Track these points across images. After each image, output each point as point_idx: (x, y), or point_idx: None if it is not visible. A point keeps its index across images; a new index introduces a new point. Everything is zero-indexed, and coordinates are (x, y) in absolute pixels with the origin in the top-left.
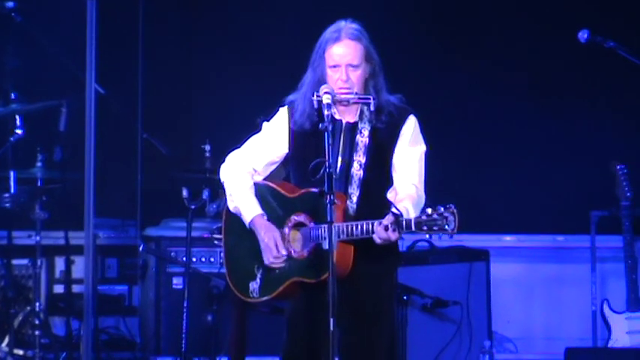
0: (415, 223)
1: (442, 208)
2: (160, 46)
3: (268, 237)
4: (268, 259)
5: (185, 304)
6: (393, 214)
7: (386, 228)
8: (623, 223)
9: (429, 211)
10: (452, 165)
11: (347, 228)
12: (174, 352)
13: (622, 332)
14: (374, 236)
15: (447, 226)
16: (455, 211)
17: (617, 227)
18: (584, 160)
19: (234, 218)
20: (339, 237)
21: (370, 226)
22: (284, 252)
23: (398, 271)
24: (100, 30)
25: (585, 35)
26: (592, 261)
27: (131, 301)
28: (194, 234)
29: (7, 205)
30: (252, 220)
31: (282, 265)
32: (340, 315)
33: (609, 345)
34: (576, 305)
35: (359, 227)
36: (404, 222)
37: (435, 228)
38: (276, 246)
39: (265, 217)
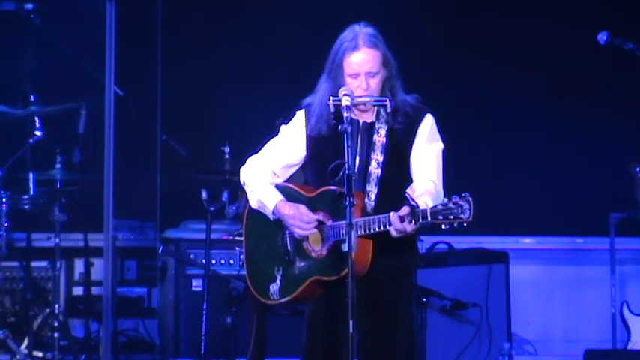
0: (431, 213)
1: (457, 197)
2: (179, 48)
3: (294, 210)
4: (300, 227)
5: (204, 306)
6: (410, 205)
7: (402, 219)
8: None
9: (445, 200)
10: (470, 167)
11: (365, 223)
12: (193, 354)
13: None
14: (390, 229)
15: (462, 215)
16: (470, 199)
17: (636, 229)
18: (603, 162)
19: (255, 221)
20: (357, 232)
21: (387, 220)
22: (314, 217)
23: (417, 273)
24: (119, 32)
25: (605, 37)
26: (611, 263)
27: (150, 303)
28: (213, 236)
29: (27, 207)
30: (275, 207)
31: (313, 231)
32: (359, 316)
33: (628, 347)
34: (595, 307)
35: (376, 221)
36: (420, 213)
37: (450, 217)
38: (303, 214)
39: (285, 201)
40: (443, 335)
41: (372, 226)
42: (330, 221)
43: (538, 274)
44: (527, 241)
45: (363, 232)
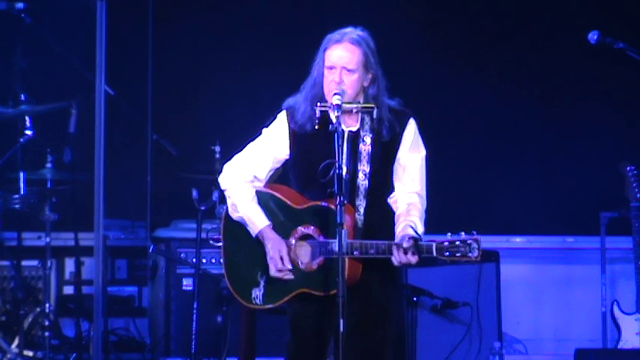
0: (437, 249)
1: (464, 234)
2: (169, 48)
3: (274, 250)
4: (273, 271)
5: (195, 306)
6: (413, 238)
7: (405, 252)
8: (633, 224)
9: (451, 237)
10: (462, 166)
11: (361, 245)
12: (183, 353)
13: (632, 333)
14: (392, 258)
15: (470, 254)
16: (478, 238)
17: (626, 228)
18: (594, 161)
19: (235, 224)
20: (352, 253)
21: (386, 247)
22: (289, 266)
23: (408, 272)
24: (109, 31)
25: (595, 36)
26: (602, 262)
27: (141, 303)
28: (204, 235)
29: (17, 206)
30: (260, 232)
31: (289, 277)
32: (347, 314)
33: (619, 346)
34: (586, 306)
35: (374, 246)
36: (424, 247)
37: (457, 254)
38: (281, 259)
39: (271, 226)
40: (433, 334)
41: (369, 250)
42: (321, 237)
43: (529, 274)
44: (518, 241)
45: (358, 253)
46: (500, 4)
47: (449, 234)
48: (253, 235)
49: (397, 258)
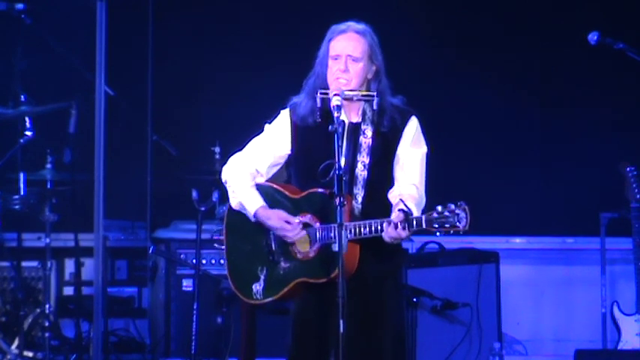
0: (426, 221)
1: (453, 206)
2: (169, 48)
3: (276, 220)
4: (286, 235)
5: (195, 306)
6: (403, 211)
7: (396, 226)
8: (633, 224)
9: (440, 208)
10: (462, 167)
11: (355, 228)
12: (183, 354)
13: (632, 334)
14: (383, 234)
15: (458, 223)
16: (466, 207)
17: (626, 229)
18: (593, 161)
19: (236, 220)
20: (347, 236)
21: (379, 225)
22: (296, 220)
23: (408, 273)
24: (109, 31)
25: (595, 37)
26: (602, 263)
27: (141, 303)
28: (204, 236)
29: (17, 207)
30: (256, 212)
31: (302, 233)
32: (347, 317)
33: (619, 347)
34: (586, 307)
35: (367, 227)
36: (414, 220)
37: (446, 225)
38: (287, 221)
39: (266, 207)
40: (433, 335)
41: (362, 231)
42: (318, 224)
43: (528, 274)
44: (518, 241)
45: (352, 235)
46: (501, 4)
47: (439, 207)
48: (251, 219)
49: (387, 233)
